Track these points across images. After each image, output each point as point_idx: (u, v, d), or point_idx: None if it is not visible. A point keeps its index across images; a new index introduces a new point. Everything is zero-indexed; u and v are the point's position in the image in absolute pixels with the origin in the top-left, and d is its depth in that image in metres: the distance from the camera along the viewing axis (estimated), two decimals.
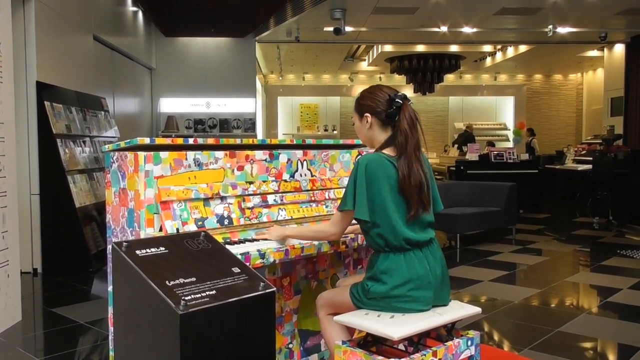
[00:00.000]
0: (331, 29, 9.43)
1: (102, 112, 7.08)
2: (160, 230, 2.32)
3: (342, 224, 2.36)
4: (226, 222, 2.46)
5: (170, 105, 11.10)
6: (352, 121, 2.49)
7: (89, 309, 4.40)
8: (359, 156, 2.33)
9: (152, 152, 2.36)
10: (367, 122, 2.37)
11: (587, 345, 3.65)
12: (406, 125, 2.28)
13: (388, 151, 2.31)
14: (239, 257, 2.08)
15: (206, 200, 2.45)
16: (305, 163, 2.90)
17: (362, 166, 2.25)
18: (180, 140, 2.50)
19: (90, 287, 5.19)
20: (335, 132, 16.94)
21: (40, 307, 4.63)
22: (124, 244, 1.86)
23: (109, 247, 2.42)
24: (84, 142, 6.28)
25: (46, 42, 5.82)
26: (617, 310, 4.36)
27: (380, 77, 16.80)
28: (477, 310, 2.41)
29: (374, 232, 2.27)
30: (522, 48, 12.82)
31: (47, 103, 5.61)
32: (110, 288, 2.31)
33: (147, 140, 2.37)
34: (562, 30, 10.27)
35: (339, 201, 2.85)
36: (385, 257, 2.26)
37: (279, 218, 2.65)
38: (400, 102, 2.31)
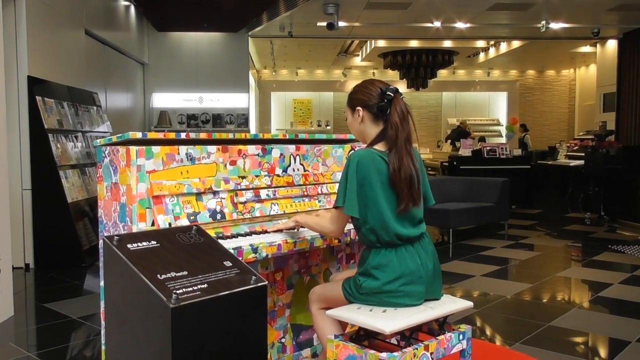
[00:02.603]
0: (324, 24, 9.41)
1: (94, 107, 7.05)
2: (153, 224, 2.31)
3: (340, 222, 2.35)
4: (219, 216, 2.46)
5: (163, 100, 11.06)
6: (344, 116, 2.49)
7: (81, 304, 4.39)
8: (351, 152, 2.33)
9: (144, 147, 2.35)
10: (359, 116, 2.36)
11: (578, 339, 3.67)
12: (397, 118, 2.27)
13: (379, 146, 2.31)
14: (232, 251, 2.08)
15: (198, 195, 2.44)
16: (298, 158, 2.89)
17: (353, 163, 2.24)
18: (172, 135, 2.49)
19: (82, 283, 5.18)
20: (328, 127, 16.92)
21: (32, 303, 4.61)
22: (116, 237, 1.85)
23: (101, 241, 2.42)
24: (76, 137, 6.25)
25: (37, 37, 5.79)
26: (608, 305, 4.39)
27: (373, 73, 16.79)
28: (469, 304, 2.42)
29: (365, 228, 2.28)
30: (515, 44, 12.83)
31: (38, 98, 5.58)
32: (102, 283, 2.31)
33: (139, 135, 2.37)
34: (555, 26, 10.29)
35: (332, 196, 2.88)
36: (376, 253, 2.27)
37: (272, 213, 2.65)
38: (392, 95, 2.30)
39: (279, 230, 2.55)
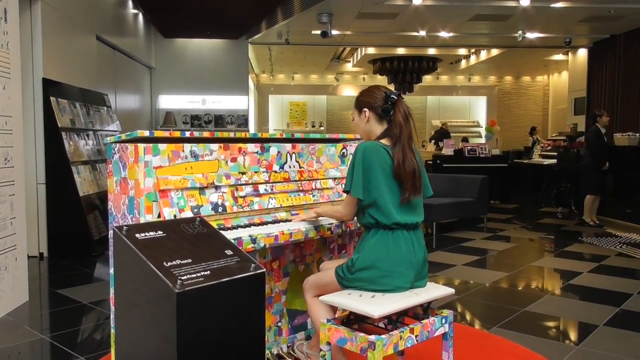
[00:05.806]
0: (319, 32, 9.38)
1: (105, 108, 7.01)
2: (159, 216, 2.30)
3: (351, 206, 2.42)
4: (220, 209, 2.45)
5: (169, 101, 11.01)
6: (351, 117, 2.54)
7: (91, 291, 4.38)
8: (359, 142, 2.39)
9: (151, 144, 2.34)
10: (365, 116, 2.43)
11: (551, 323, 3.69)
12: (400, 118, 2.35)
13: (384, 141, 2.36)
14: (232, 241, 2.07)
15: (202, 189, 2.43)
16: (294, 155, 2.89)
17: (360, 152, 2.31)
18: (177, 133, 2.47)
19: (93, 271, 5.16)
20: (322, 127, 16.89)
21: (46, 289, 4.59)
22: (125, 228, 1.84)
23: (111, 232, 2.40)
24: (88, 135, 6.22)
25: (52, 42, 5.74)
26: (578, 292, 4.42)
27: (363, 78, 16.77)
28: (451, 291, 2.43)
29: (368, 211, 2.33)
30: (494, 52, 12.84)
31: (52, 98, 5.54)
32: (111, 271, 2.29)
33: (146, 133, 2.35)
34: (531, 35, 10.30)
35: (325, 191, 2.89)
36: (375, 233, 2.31)
37: (269, 206, 2.64)
38: (395, 98, 2.39)
39: (303, 220, 2.63)
